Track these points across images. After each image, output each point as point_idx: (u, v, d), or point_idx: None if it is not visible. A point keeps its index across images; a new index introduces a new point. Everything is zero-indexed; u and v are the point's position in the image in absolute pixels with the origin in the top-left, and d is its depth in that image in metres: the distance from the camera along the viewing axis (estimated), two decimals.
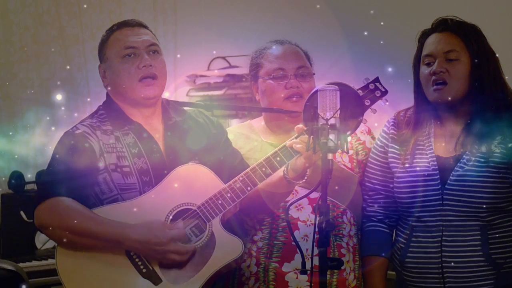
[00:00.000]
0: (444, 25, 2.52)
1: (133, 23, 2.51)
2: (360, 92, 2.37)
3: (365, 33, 3.62)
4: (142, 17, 3.58)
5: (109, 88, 2.52)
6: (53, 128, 3.93)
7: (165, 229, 2.31)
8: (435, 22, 2.55)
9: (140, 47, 2.46)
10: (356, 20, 3.92)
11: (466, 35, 2.50)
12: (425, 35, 2.56)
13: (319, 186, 2.11)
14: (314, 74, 2.71)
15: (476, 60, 2.47)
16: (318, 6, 3.97)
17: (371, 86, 2.39)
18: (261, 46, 2.73)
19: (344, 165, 2.66)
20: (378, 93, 2.38)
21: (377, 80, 2.41)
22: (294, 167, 2.38)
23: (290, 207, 2.56)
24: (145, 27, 2.53)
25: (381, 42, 3.60)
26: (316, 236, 2.10)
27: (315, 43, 2.83)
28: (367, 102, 2.37)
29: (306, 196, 2.30)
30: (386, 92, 2.40)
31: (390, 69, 2.67)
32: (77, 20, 4.30)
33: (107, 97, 2.54)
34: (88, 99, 4.19)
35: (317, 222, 2.07)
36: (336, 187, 2.56)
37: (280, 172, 2.41)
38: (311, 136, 2.17)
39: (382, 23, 3.66)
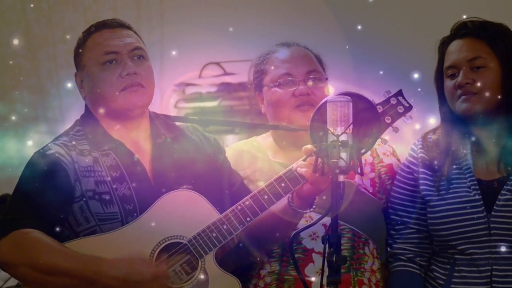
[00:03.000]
0: (464, 29, 2.53)
1: (114, 24, 2.51)
2: (380, 108, 2.36)
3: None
4: (124, 16, 3.60)
5: (87, 100, 2.52)
6: (18, 145, 3.95)
7: (148, 265, 2.31)
8: (454, 27, 2.56)
9: (122, 51, 2.46)
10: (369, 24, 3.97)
11: (491, 37, 2.50)
12: (444, 43, 2.56)
13: (328, 212, 2.12)
14: (327, 79, 2.71)
15: (506, 65, 2.48)
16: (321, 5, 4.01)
17: (393, 101, 2.39)
18: (265, 50, 2.73)
19: (365, 189, 2.66)
20: (400, 109, 2.38)
21: (399, 93, 2.40)
22: (300, 194, 2.39)
23: (304, 237, 2.57)
24: (129, 28, 2.53)
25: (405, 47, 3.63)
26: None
27: (320, 47, 2.85)
28: (387, 120, 2.36)
29: (314, 224, 2.30)
30: (410, 107, 2.39)
31: (416, 76, 2.69)
32: (47, 18, 4.33)
33: (85, 110, 2.54)
34: (59, 111, 4.21)
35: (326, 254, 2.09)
36: (356, 214, 2.56)
37: (284, 200, 2.41)
38: (319, 156, 2.18)
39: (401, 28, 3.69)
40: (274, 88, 2.66)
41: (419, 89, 2.59)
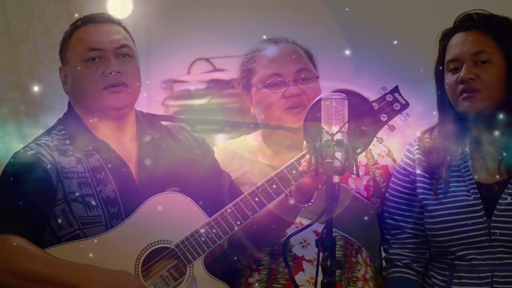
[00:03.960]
0: (469, 22, 2.53)
1: (101, 19, 2.53)
2: (376, 105, 2.38)
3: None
4: (107, 9, 3.62)
5: (70, 97, 2.53)
6: None
7: (134, 278, 2.32)
8: (457, 19, 2.56)
9: (107, 49, 2.48)
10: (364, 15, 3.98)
11: (498, 31, 2.50)
12: (447, 36, 2.56)
13: (323, 215, 2.13)
14: (318, 77, 2.72)
15: None
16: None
17: (389, 98, 2.40)
18: (252, 48, 2.74)
19: (359, 193, 2.67)
20: (397, 106, 2.40)
21: (396, 90, 2.41)
22: (300, 187, 2.40)
23: (294, 244, 2.58)
24: (118, 23, 2.55)
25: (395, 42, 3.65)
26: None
27: (314, 42, 2.86)
28: (383, 117, 2.38)
29: (306, 227, 2.30)
30: (407, 104, 2.41)
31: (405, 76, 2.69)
32: (27, 12, 4.32)
33: (69, 108, 2.55)
34: (41, 109, 4.20)
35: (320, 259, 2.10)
36: (349, 220, 2.57)
37: (281, 195, 2.41)
38: (313, 155, 2.18)
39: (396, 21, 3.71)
40: (263, 89, 2.68)
41: (421, 70, 2.59)
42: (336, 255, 2.53)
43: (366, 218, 2.65)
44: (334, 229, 2.49)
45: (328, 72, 2.78)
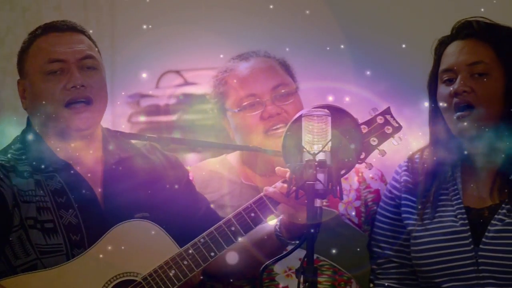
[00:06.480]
0: (468, 30, 2.52)
1: (63, 27, 2.52)
2: (365, 128, 2.36)
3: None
4: (69, 16, 3.60)
5: (29, 113, 2.51)
6: None
7: None
8: (456, 26, 2.55)
9: (70, 60, 2.46)
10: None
11: (499, 41, 2.49)
12: (443, 44, 2.54)
13: (303, 242, 2.11)
14: (297, 88, 2.72)
15: None
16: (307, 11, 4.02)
17: (380, 120, 2.39)
18: (222, 68, 2.73)
19: (350, 220, 2.67)
20: (388, 129, 2.38)
21: (387, 111, 2.40)
22: (282, 223, 2.37)
23: (278, 272, 2.58)
24: (82, 32, 2.54)
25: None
26: None
27: (305, 50, 2.85)
28: (373, 141, 2.36)
29: (286, 255, 2.27)
30: (399, 127, 2.39)
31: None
32: None
33: (27, 125, 2.53)
34: None
35: None
36: (339, 248, 2.57)
37: (268, 227, 2.41)
38: (293, 177, 2.17)
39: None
40: (238, 113, 2.67)
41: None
42: (324, 286, 2.55)
43: (357, 247, 2.65)
44: (322, 258, 2.52)
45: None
